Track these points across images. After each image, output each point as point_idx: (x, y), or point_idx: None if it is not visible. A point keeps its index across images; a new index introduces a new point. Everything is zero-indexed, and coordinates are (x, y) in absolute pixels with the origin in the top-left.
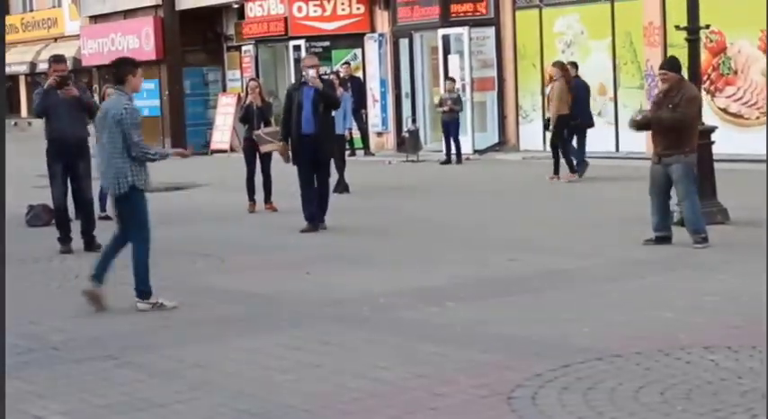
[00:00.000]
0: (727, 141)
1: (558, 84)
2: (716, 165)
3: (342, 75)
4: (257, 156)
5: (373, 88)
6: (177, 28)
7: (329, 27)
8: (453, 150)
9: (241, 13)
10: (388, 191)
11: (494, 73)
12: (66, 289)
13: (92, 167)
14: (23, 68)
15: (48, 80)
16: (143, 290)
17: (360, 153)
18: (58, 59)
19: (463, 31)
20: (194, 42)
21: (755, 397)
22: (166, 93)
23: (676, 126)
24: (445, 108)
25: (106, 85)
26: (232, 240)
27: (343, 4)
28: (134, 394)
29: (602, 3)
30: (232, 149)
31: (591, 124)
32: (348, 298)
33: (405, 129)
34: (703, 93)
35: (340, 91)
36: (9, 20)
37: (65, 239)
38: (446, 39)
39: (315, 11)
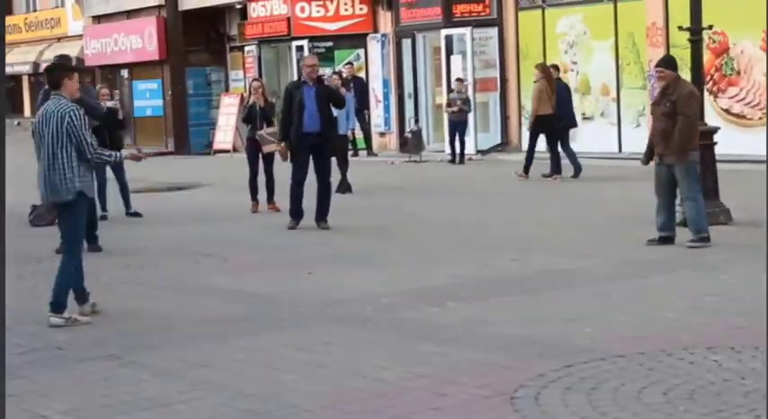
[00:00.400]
0: (729, 142)
1: (538, 85)
2: (718, 166)
3: (345, 75)
4: (260, 156)
5: (376, 88)
6: (180, 28)
7: (332, 27)
8: (458, 150)
9: (244, 14)
10: (390, 191)
11: (496, 73)
12: None
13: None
14: (27, 68)
15: None
16: (59, 304)
17: (363, 153)
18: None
19: (466, 31)
20: (197, 42)
21: (758, 398)
22: (169, 93)
23: (683, 129)
24: (455, 108)
25: (100, 85)
26: (234, 240)
27: (345, 4)
28: (137, 393)
29: (604, 3)
30: (235, 149)
31: (574, 124)
32: (349, 298)
33: (407, 129)
34: (706, 93)
35: (343, 91)
36: (12, 20)
37: None
38: (449, 39)
39: (318, 11)
